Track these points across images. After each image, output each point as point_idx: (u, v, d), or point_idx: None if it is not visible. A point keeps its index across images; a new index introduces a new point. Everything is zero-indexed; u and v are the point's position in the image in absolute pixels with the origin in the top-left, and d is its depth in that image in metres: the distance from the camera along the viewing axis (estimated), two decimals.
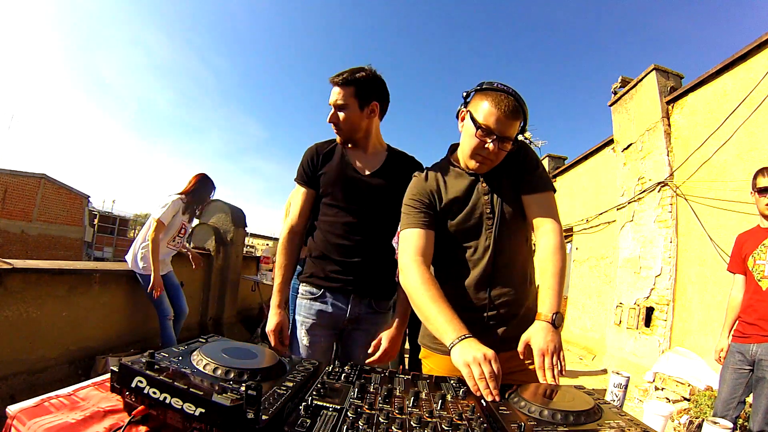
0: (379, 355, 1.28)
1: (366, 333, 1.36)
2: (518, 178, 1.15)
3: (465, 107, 1.13)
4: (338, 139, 1.39)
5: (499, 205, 1.12)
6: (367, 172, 1.39)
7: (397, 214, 1.35)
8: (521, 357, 0.98)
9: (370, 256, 1.37)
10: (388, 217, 1.38)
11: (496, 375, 0.80)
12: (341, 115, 1.32)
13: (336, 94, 1.31)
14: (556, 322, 0.97)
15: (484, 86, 1.09)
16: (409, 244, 1.11)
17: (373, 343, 1.29)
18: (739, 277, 2.18)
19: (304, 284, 1.41)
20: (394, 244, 1.48)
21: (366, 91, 1.31)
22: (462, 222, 1.14)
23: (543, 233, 1.10)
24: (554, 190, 1.16)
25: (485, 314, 1.11)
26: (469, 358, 0.82)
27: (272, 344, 1.38)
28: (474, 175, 1.16)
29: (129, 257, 2.89)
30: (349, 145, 1.42)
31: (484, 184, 1.15)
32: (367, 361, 1.25)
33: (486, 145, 1.06)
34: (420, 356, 1.27)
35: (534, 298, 1.12)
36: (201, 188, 3.03)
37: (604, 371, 4.85)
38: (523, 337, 0.98)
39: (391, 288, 1.45)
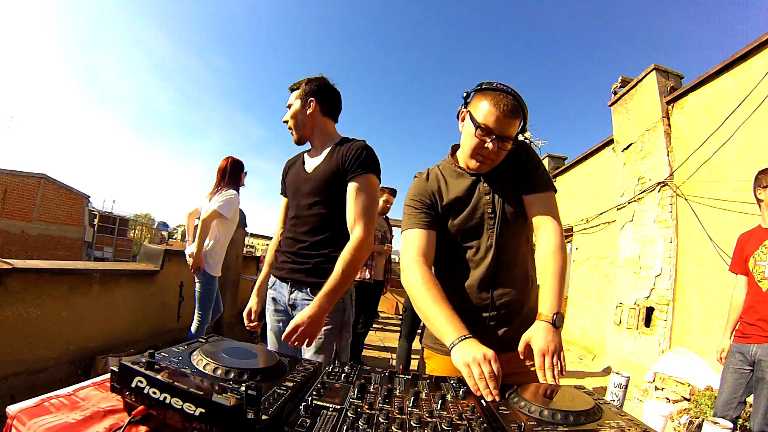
0: (288, 332, 1.21)
1: None
2: (519, 178, 1.15)
3: (465, 107, 1.13)
4: (293, 138, 1.53)
5: (501, 204, 1.12)
6: (311, 169, 1.48)
7: (343, 199, 1.38)
8: (521, 357, 0.98)
9: (308, 246, 1.42)
10: (333, 206, 1.41)
11: (496, 375, 0.80)
12: (289, 113, 1.51)
13: (289, 98, 1.53)
14: (557, 323, 0.97)
15: (483, 86, 1.09)
16: (411, 244, 1.12)
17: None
18: (741, 277, 2.18)
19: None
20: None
21: (306, 92, 1.50)
22: (463, 222, 1.14)
23: (543, 233, 1.10)
24: (555, 190, 1.16)
25: (487, 314, 1.11)
26: (469, 358, 0.83)
27: (245, 325, 1.58)
28: (475, 175, 1.16)
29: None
30: (310, 148, 1.56)
31: (485, 184, 1.15)
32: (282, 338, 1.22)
33: (486, 145, 1.06)
34: (423, 357, 1.28)
35: (536, 299, 1.12)
36: (232, 172, 2.92)
37: (605, 371, 4.85)
38: (524, 337, 0.98)
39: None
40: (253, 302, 1.58)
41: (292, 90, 1.53)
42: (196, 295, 2.83)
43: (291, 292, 1.43)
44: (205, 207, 2.89)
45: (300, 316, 1.23)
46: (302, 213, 1.45)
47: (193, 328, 2.85)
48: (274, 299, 1.51)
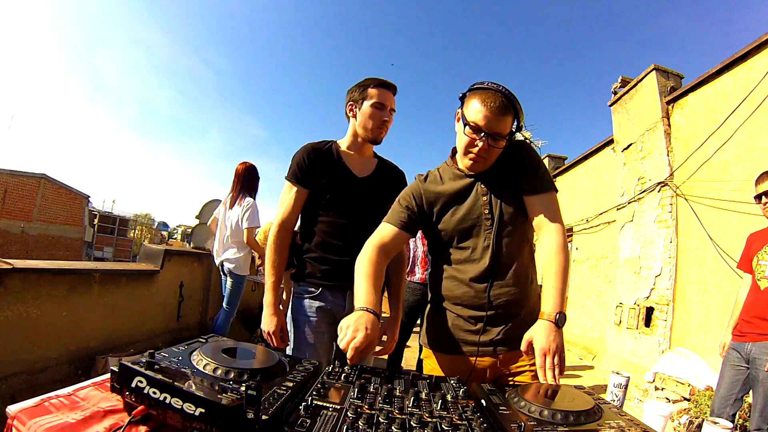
0: (388, 345, 1.40)
1: None
2: (519, 178, 1.14)
3: (460, 108, 1.14)
4: (376, 137, 1.48)
5: (499, 205, 1.13)
6: (363, 175, 1.48)
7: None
8: (525, 355, 0.98)
9: None
10: (379, 218, 1.40)
11: (357, 346, 0.89)
12: (391, 117, 1.52)
13: (393, 102, 1.49)
14: (559, 322, 0.97)
15: (475, 86, 1.11)
16: (377, 234, 1.20)
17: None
18: (748, 275, 2.22)
19: (302, 284, 1.45)
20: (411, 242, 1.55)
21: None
22: (460, 222, 1.14)
23: (546, 233, 1.10)
24: (556, 190, 1.16)
25: (485, 313, 1.11)
26: (348, 322, 0.94)
27: (275, 345, 1.42)
28: (473, 176, 1.16)
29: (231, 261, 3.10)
30: (346, 149, 1.51)
31: (483, 185, 1.15)
32: (377, 350, 1.29)
33: (476, 142, 1.07)
34: (421, 356, 1.28)
35: (536, 298, 1.13)
36: (249, 178, 3.11)
37: (605, 371, 4.85)
38: (526, 336, 0.99)
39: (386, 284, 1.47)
40: (280, 316, 1.43)
41: (394, 93, 1.50)
42: (226, 292, 3.13)
43: (351, 301, 1.34)
44: (223, 214, 3.14)
45: (391, 332, 1.40)
46: (357, 221, 1.41)
47: (219, 321, 3.13)
48: (320, 309, 1.41)
